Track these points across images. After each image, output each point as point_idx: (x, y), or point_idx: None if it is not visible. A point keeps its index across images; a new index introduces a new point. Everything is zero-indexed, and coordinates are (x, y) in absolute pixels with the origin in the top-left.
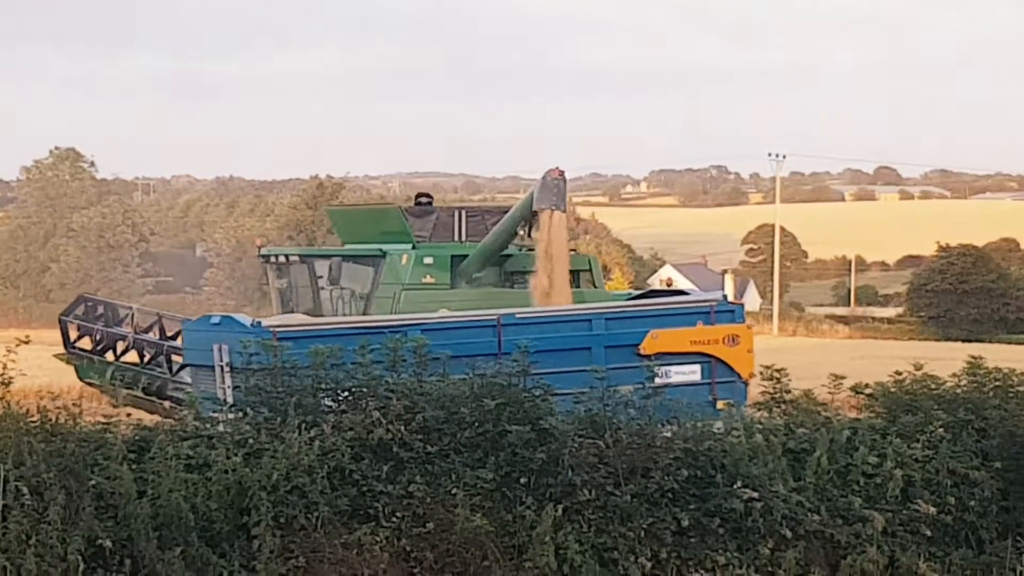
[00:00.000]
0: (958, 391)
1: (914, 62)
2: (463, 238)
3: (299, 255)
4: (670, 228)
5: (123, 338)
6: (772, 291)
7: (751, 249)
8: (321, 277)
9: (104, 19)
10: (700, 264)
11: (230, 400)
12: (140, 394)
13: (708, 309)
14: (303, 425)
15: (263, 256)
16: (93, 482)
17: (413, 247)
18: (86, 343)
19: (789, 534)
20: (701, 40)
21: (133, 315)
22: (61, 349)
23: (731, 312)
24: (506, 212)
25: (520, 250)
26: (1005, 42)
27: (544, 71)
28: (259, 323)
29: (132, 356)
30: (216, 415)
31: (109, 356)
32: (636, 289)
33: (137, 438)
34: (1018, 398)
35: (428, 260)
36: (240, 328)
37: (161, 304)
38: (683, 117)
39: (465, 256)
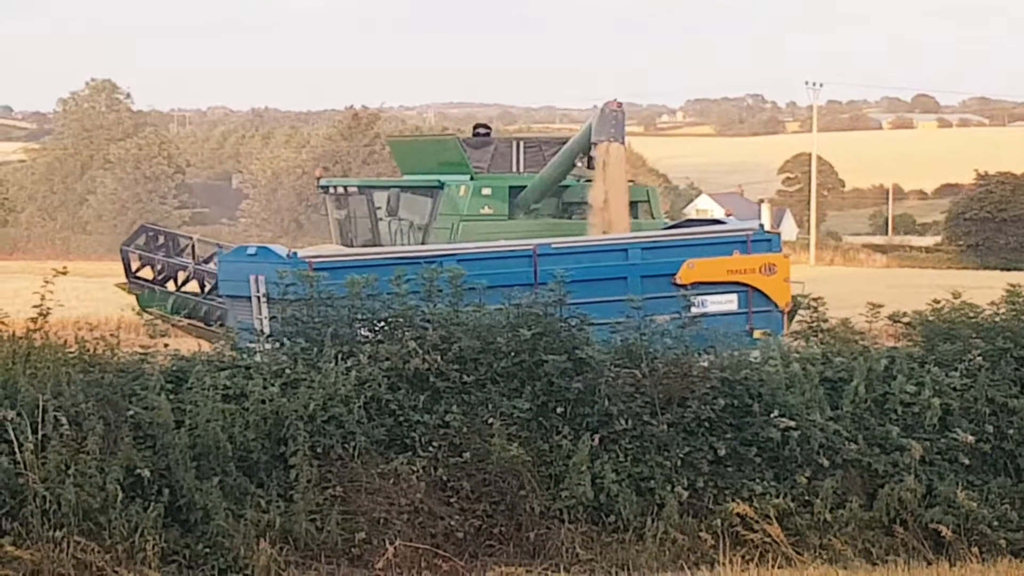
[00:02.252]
0: (996, 319)
1: None
2: (521, 169)
3: (358, 186)
4: (706, 158)
5: (184, 268)
6: (809, 220)
7: (788, 178)
8: (379, 208)
9: None
10: (736, 194)
11: (267, 331)
12: (200, 323)
13: (745, 238)
14: (339, 355)
15: (322, 187)
16: (131, 412)
17: (471, 178)
18: (147, 273)
19: (826, 463)
20: None
21: (193, 245)
22: (121, 279)
23: (768, 241)
24: (564, 143)
25: (578, 181)
26: None
27: (579, 2)
28: (295, 254)
29: (193, 286)
30: (253, 345)
31: (170, 286)
32: (671, 219)
33: (175, 368)
34: None
35: (486, 191)
36: (276, 259)
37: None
38: (719, 46)
39: (523, 187)
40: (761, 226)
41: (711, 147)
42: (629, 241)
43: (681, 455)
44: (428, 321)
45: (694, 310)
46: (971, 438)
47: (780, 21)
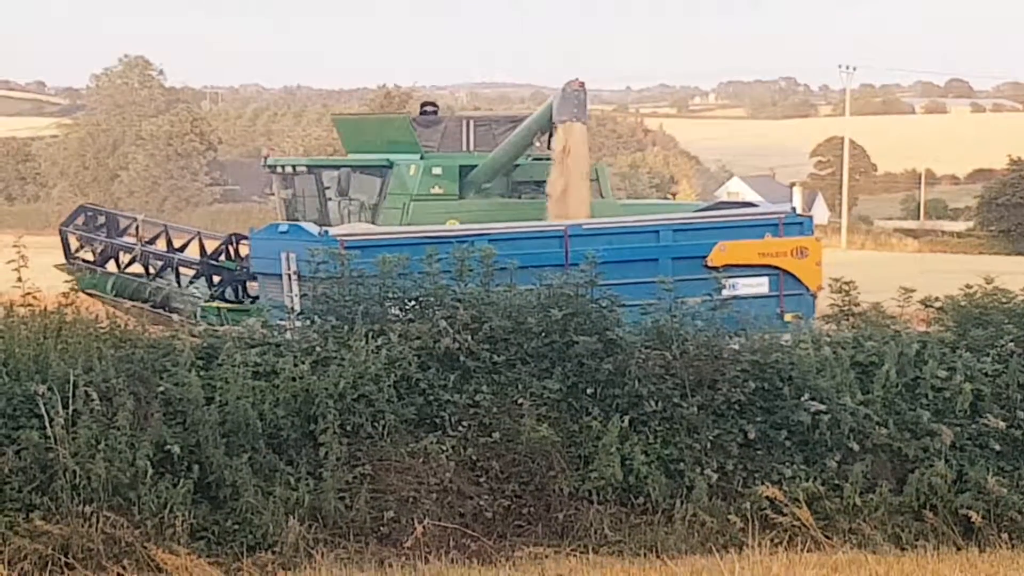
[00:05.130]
0: None
1: None
2: (471, 148)
3: (307, 165)
4: (738, 140)
5: (127, 249)
6: (841, 204)
7: (820, 162)
8: (329, 188)
9: None
10: (768, 176)
11: (297, 308)
12: (144, 305)
13: (776, 221)
14: (370, 334)
15: (269, 166)
16: (162, 388)
17: (421, 157)
18: (87, 254)
19: (856, 447)
20: None
21: (138, 225)
22: (57, 259)
23: (799, 224)
24: (515, 122)
25: (527, 159)
26: None
27: None
28: (327, 232)
29: (136, 267)
30: (284, 323)
31: (111, 267)
32: (703, 201)
33: (205, 345)
34: None
35: (436, 170)
36: (308, 237)
37: (228, 213)
38: (753, 28)
39: (473, 166)
40: (793, 209)
41: (743, 129)
42: (661, 223)
43: (711, 438)
44: (459, 301)
45: (725, 292)
46: (1002, 424)
47: (814, 3)
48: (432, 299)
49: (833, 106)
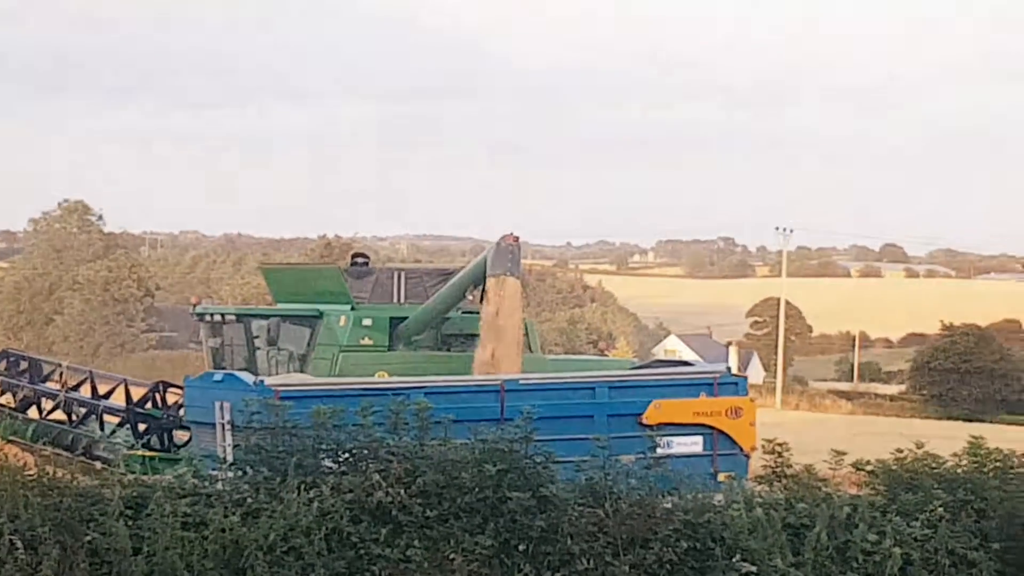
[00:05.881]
0: (958, 471)
1: (922, 141)
2: (401, 300)
3: (235, 314)
4: (676, 298)
5: (50, 395)
6: (776, 364)
7: (756, 322)
8: (258, 337)
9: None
10: (705, 335)
11: (230, 458)
12: (67, 453)
13: (712, 381)
14: (302, 486)
15: (198, 314)
16: (88, 538)
17: (352, 308)
18: (7, 400)
19: None
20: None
21: (62, 372)
22: None
23: (735, 384)
24: (447, 275)
25: (458, 312)
26: (1012, 123)
27: (554, 139)
28: (262, 382)
29: (58, 414)
30: (215, 473)
31: (33, 413)
32: (640, 359)
33: (134, 494)
34: (1018, 479)
35: (367, 322)
36: (242, 386)
37: (164, 360)
38: (693, 188)
39: (404, 318)
40: (728, 369)
41: (681, 288)
42: (597, 380)
43: None
44: (393, 454)
45: (659, 451)
46: None
47: (754, 166)
48: (366, 452)
49: (770, 267)
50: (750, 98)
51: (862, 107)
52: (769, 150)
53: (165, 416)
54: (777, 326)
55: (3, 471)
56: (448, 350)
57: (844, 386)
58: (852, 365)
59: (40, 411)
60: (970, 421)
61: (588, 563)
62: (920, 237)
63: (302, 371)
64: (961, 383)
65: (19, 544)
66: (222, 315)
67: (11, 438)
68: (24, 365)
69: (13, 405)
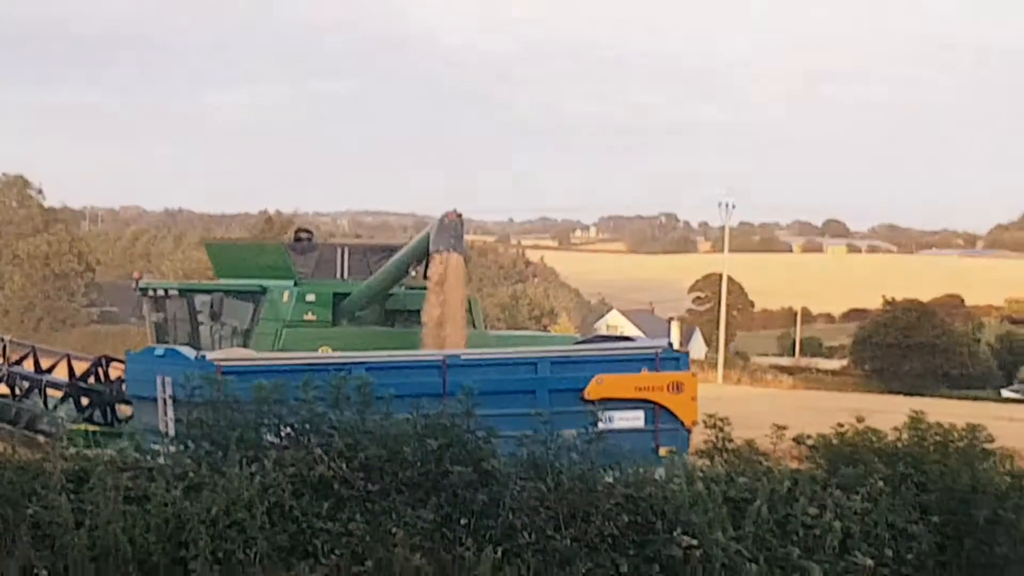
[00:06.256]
0: (899, 445)
1: (864, 118)
2: (345, 275)
3: (178, 289)
4: (618, 274)
5: None
6: (718, 340)
7: (698, 297)
8: (201, 312)
9: (56, 48)
10: (647, 311)
11: (172, 433)
12: (9, 427)
13: (653, 356)
14: (244, 460)
15: (141, 289)
16: (31, 511)
17: (295, 283)
18: None
19: None
20: (656, 91)
21: (4, 346)
22: None
23: (676, 359)
24: (390, 250)
25: (402, 288)
26: (955, 100)
27: (498, 115)
28: (204, 356)
29: (2, 388)
30: (157, 447)
31: None
32: (582, 334)
33: (76, 468)
34: (957, 453)
35: (310, 297)
36: (184, 361)
37: (104, 335)
38: (634, 164)
39: (347, 294)
40: (670, 344)
41: (624, 264)
42: (539, 355)
43: (584, 570)
44: (335, 428)
45: (601, 425)
46: (870, 562)
47: (696, 140)
48: (308, 426)
49: (712, 242)
50: (694, 79)
51: (801, 86)
52: (711, 128)
53: (107, 390)
54: (719, 301)
55: None
56: (392, 326)
57: (786, 361)
58: (794, 340)
59: None
60: (911, 396)
61: (530, 537)
62: (862, 213)
63: (245, 346)
64: (902, 358)
65: None
66: (165, 290)
67: None
68: None
69: None
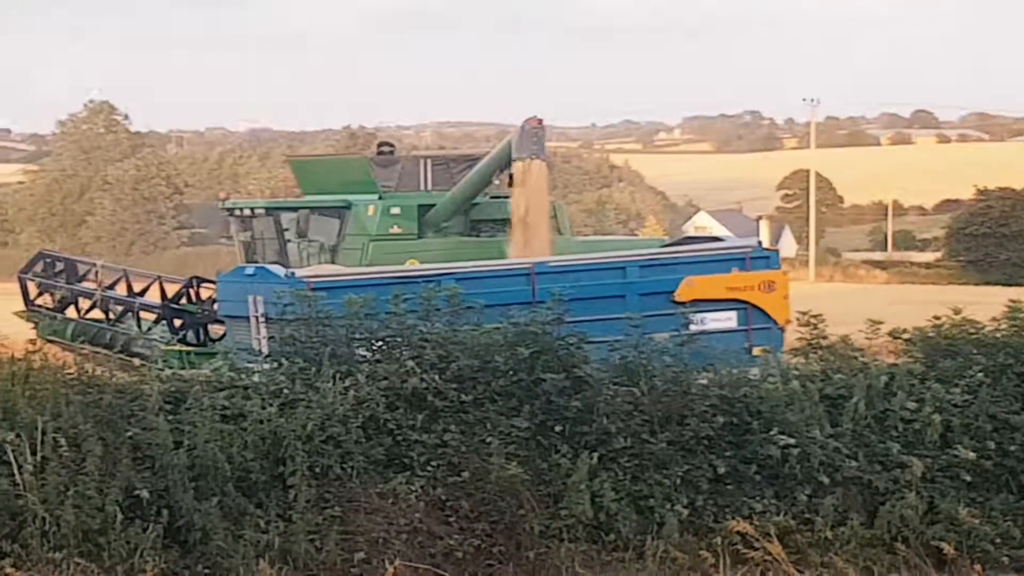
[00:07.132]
0: (997, 335)
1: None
2: (429, 187)
3: (265, 207)
4: (704, 175)
5: (87, 295)
6: (808, 237)
7: (786, 195)
8: (287, 230)
9: None
10: (735, 211)
11: (265, 351)
12: (105, 351)
13: (743, 256)
14: (337, 375)
15: (227, 209)
16: (130, 433)
17: (380, 197)
18: (46, 300)
19: (827, 480)
20: None
21: (97, 271)
22: (21, 306)
23: (766, 258)
24: (473, 160)
25: (486, 197)
26: None
27: (576, 19)
28: (293, 274)
29: (96, 313)
30: (251, 365)
31: (71, 312)
32: (670, 237)
33: (173, 389)
34: None
35: (395, 210)
36: (274, 279)
37: (195, 257)
38: (716, 63)
39: (431, 205)
40: (760, 243)
41: (709, 164)
42: (628, 259)
43: (680, 473)
44: (426, 340)
45: (693, 327)
46: (972, 455)
47: (779, 37)
48: (399, 339)
49: (799, 139)
50: None
51: None
52: (793, 24)
53: (200, 311)
54: (808, 198)
55: (44, 370)
56: (478, 235)
57: (878, 256)
58: (886, 235)
59: (78, 311)
60: (1008, 286)
61: (625, 442)
62: (951, 102)
63: (333, 262)
64: (998, 247)
65: (63, 442)
66: (251, 209)
67: (50, 338)
68: (60, 266)
69: (51, 306)
